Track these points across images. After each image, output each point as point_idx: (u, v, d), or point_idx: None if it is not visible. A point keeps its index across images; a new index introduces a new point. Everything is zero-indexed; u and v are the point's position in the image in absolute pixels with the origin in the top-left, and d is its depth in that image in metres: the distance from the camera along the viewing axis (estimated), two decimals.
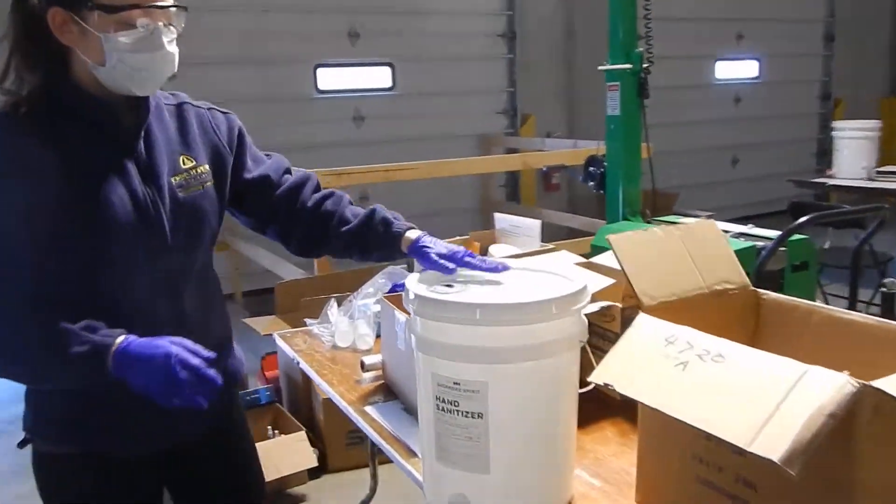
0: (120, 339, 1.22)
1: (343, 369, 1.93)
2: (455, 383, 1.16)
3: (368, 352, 2.02)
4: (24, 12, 1.23)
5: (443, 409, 1.18)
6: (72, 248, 1.25)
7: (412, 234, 1.52)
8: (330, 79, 6.09)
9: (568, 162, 4.54)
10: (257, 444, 2.85)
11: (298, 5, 5.76)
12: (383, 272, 2.20)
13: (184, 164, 1.40)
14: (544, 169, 5.38)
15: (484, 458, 1.15)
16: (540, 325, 1.14)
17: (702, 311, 1.26)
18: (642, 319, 1.16)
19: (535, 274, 1.35)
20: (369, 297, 2.17)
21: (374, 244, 1.54)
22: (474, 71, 6.67)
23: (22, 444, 1.41)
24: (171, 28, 1.28)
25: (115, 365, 1.20)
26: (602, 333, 1.62)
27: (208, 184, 1.43)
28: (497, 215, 2.45)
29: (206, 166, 1.44)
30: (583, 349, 1.23)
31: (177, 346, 1.22)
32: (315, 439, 3.05)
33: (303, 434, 2.88)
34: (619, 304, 1.58)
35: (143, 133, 1.35)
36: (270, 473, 2.73)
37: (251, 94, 5.64)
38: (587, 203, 6.18)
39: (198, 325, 1.42)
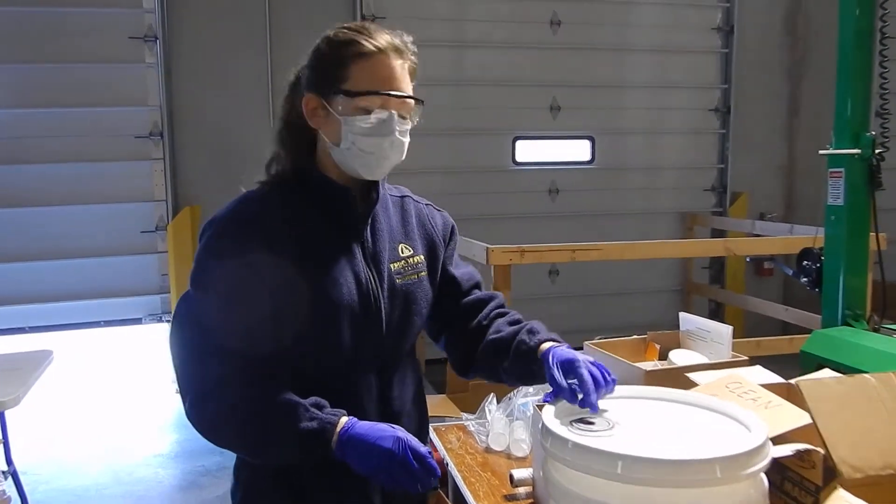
0: (344, 419, 1.24)
1: (492, 479, 1.77)
2: None
3: (524, 461, 1.84)
4: (294, 99, 1.39)
5: None
6: (297, 325, 1.30)
7: (545, 346, 1.39)
8: (528, 151, 6.07)
9: (777, 251, 4.06)
10: None
11: (502, 79, 5.84)
12: None
13: (402, 252, 1.45)
14: (748, 259, 4.84)
15: None
16: (699, 491, 0.92)
17: None
18: (840, 500, 0.90)
19: (708, 415, 1.12)
20: (530, 397, 2.00)
21: (514, 355, 1.43)
22: (681, 146, 6.33)
23: None
24: (405, 119, 1.35)
25: (338, 445, 1.21)
26: (798, 482, 1.33)
27: (423, 273, 1.47)
28: (683, 316, 2.18)
29: (422, 257, 1.48)
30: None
31: (401, 432, 1.23)
32: None
33: None
34: (821, 450, 1.28)
35: (370, 219, 1.41)
36: None
37: (450, 164, 5.76)
38: (807, 293, 5.52)
39: (400, 410, 1.44)
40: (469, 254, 3.97)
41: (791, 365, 4.39)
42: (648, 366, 2.00)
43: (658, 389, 1.22)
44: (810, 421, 1.37)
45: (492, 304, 1.56)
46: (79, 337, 5.27)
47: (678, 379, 1.73)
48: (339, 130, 1.32)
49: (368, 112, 1.31)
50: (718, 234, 6.14)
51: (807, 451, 1.30)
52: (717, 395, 1.54)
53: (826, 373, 1.69)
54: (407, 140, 1.37)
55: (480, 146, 5.88)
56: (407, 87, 1.34)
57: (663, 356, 2.13)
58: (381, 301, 1.38)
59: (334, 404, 1.27)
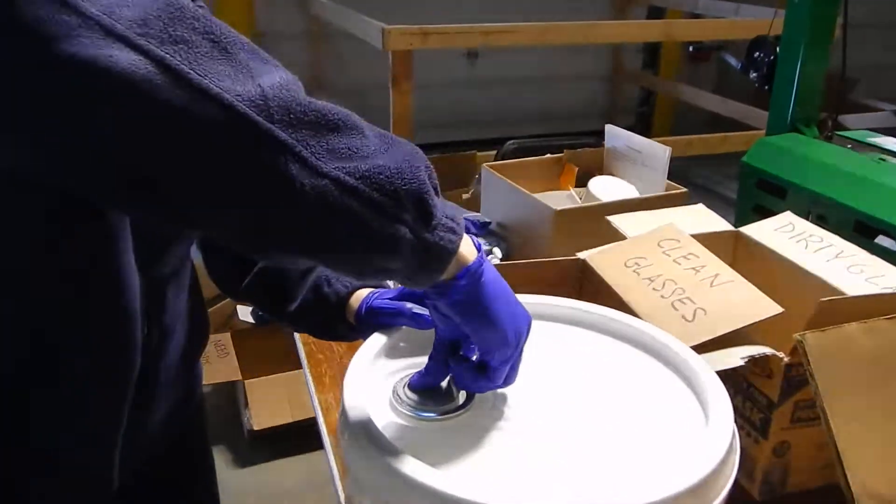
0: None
1: (346, 358, 1.34)
2: None
3: None
4: None
5: None
6: None
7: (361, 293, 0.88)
8: None
9: (727, 37, 3.50)
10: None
11: None
12: None
13: None
14: (690, 49, 4.25)
15: None
16: None
17: None
18: None
19: (634, 358, 0.67)
20: None
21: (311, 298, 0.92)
22: None
23: None
24: None
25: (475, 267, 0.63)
26: (750, 394, 0.96)
27: None
28: (609, 129, 1.69)
29: None
30: None
31: None
32: None
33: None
34: (783, 356, 0.90)
35: None
36: None
37: None
38: (745, 82, 5.02)
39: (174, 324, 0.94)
40: (364, 36, 3.30)
41: (724, 165, 4.04)
42: (559, 202, 1.54)
43: (551, 302, 0.74)
44: (772, 313, 0.98)
45: None
46: None
47: (598, 223, 1.29)
48: None
49: None
50: (656, 12, 5.46)
51: (762, 357, 0.92)
52: (646, 257, 1.15)
53: (787, 216, 1.30)
54: None
55: None
56: None
57: (582, 181, 1.67)
58: None
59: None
